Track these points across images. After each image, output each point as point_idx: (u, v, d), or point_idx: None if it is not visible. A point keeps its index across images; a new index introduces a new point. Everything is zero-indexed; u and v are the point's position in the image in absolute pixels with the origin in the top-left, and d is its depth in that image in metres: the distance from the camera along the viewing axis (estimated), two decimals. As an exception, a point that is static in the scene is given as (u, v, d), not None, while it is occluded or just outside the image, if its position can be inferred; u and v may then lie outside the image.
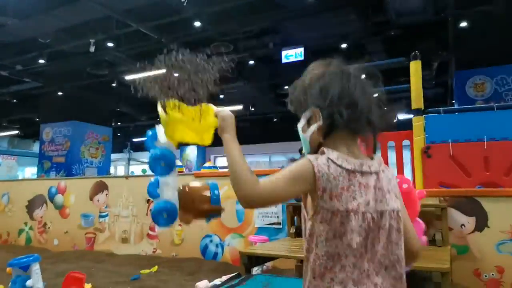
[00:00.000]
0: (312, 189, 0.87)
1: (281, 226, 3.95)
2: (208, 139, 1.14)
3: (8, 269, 3.60)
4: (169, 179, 1.13)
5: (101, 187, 5.23)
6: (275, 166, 12.69)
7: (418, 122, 3.46)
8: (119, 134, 17.20)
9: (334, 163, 0.87)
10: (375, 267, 0.87)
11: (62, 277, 3.22)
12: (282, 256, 2.66)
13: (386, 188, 0.91)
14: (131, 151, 20.03)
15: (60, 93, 10.37)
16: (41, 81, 10.04)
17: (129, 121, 15.16)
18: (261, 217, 4.09)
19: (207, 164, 12.40)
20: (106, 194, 5.17)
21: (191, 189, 1.12)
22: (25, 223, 5.73)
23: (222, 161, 18.49)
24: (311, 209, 0.89)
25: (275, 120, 13.44)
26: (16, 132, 16.47)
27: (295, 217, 3.56)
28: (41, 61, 8.46)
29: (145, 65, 1.16)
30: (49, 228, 5.51)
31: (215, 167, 6.37)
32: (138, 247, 4.82)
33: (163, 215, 1.10)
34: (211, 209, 1.11)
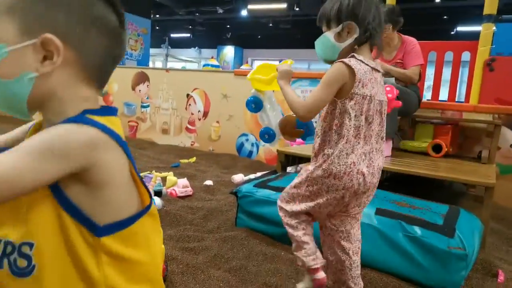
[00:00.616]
0: (348, 81, 1.18)
1: (318, 131, 3.94)
2: (276, 86, 1.52)
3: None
4: (263, 114, 1.74)
5: (142, 78, 5.30)
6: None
7: (488, 30, 3.08)
8: (157, 28, 16.91)
9: (363, 62, 1.20)
10: (374, 135, 1.25)
11: (109, 158, 3.47)
12: (320, 157, 2.68)
13: (383, 85, 1.28)
14: (169, 46, 19.88)
15: (99, -21, 10.00)
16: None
17: (168, 14, 14.72)
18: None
19: (244, 67, 12.17)
20: (148, 85, 5.26)
21: (286, 117, 1.59)
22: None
23: (259, 64, 18.11)
24: (342, 95, 1.20)
25: (319, 23, 12.58)
26: None
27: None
28: None
29: None
30: (94, 113, 5.80)
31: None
32: (177, 139, 5.04)
33: (265, 136, 1.73)
34: (297, 132, 1.56)
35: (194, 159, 4.03)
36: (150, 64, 15.18)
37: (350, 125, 1.19)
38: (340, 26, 1.21)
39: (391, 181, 2.86)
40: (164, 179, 2.75)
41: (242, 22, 14.72)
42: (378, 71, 1.25)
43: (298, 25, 13.54)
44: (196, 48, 19.86)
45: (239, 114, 4.45)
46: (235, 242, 1.89)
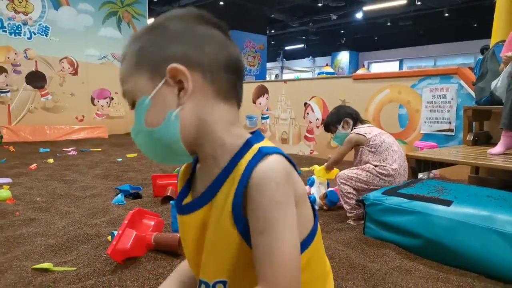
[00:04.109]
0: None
1: (453, 133, 3.52)
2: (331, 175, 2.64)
3: (194, 157, 4.35)
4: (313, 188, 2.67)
5: (262, 91, 5.55)
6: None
7: None
8: (272, 42, 17.60)
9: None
10: None
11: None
12: (459, 162, 2.38)
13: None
14: (284, 59, 20.47)
15: (221, 3, 10.92)
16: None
17: (282, 28, 15.22)
18: (428, 122, 3.71)
19: (360, 71, 11.74)
20: (267, 98, 5.48)
21: None
22: (202, 122, 6.67)
23: (376, 67, 17.27)
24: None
25: (446, 15, 11.38)
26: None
27: (474, 123, 3.09)
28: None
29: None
30: (220, 127, 6.29)
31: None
32: (297, 148, 5.11)
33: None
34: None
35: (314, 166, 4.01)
36: (267, 78, 15.88)
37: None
38: (341, 124, 2.51)
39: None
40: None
41: (357, 26, 14.29)
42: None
43: (420, 20, 12.51)
44: (310, 57, 20.02)
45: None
46: (364, 253, 1.80)
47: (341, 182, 2.30)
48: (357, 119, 2.49)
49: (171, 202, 2.16)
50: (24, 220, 2.20)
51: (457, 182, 2.74)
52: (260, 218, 0.55)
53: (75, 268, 1.58)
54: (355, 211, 2.26)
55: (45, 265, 1.59)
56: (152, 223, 1.87)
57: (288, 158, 0.61)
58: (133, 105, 0.63)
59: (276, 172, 0.57)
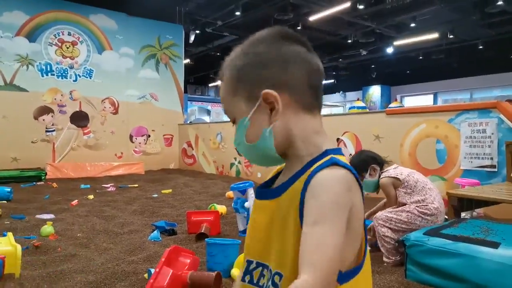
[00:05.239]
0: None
1: (495, 170, 3.36)
2: None
3: (227, 193, 4.38)
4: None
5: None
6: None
7: None
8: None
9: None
10: None
11: (269, 203, 3.67)
12: (505, 200, 2.25)
13: None
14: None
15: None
16: (237, 33, 11.13)
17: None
18: (468, 158, 3.58)
19: (393, 104, 11.58)
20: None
21: None
22: (235, 158, 6.75)
23: (409, 101, 16.99)
24: None
25: (480, 47, 11.17)
26: (220, 82, 19.19)
27: (518, 159, 2.95)
28: (237, 13, 9.21)
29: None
30: (253, 163, 6.33)
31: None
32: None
33: None
34: None
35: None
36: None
37: None
38: (368, 171, 2.43)
39: None
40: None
41: (388, 60, 14.27)
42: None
43: (454, 53, 12.35)
44: (341, 92, 20.05)
45: (394, 155, 4.20)
46: (407, 297, 1.71)
47: (379, 224, 2.21)
48: (382, 163, 2.43)
49: (206, 240, 2.17)
50: (65, 256, 2.28)
51: (504, 222, 2.58)
52: (315, 209, 0.60)
53: (113, 306, 1.60)
54: (393, 258, 2.16)
55: (85, 302, 1.62)
56: (188, 261, 1.89)
57: (356, 177, 0.65)
58: (233, 121, 0.74)
59: (335, 181, 0.62)
